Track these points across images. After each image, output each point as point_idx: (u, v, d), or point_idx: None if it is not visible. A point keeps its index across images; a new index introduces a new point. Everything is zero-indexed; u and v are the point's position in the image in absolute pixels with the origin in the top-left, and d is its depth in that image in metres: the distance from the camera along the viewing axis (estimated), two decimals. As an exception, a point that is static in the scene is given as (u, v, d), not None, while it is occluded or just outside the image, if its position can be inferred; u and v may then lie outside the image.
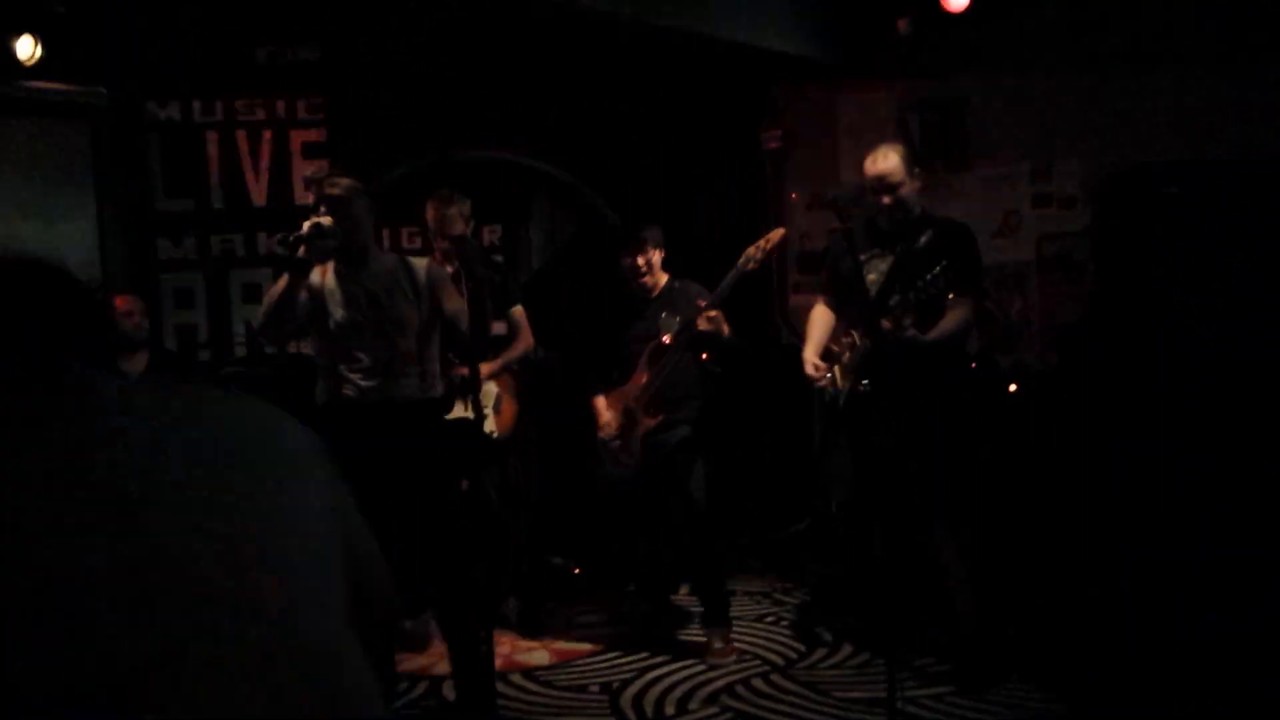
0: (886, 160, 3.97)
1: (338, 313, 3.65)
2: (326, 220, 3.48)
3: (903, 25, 5.67)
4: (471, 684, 3.89)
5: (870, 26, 5.95)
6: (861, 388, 3.92)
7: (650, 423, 4.48)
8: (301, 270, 3.50)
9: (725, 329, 4.28)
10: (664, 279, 4.64)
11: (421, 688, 4.34)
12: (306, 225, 3.44)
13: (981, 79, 5.76)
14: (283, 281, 3.54)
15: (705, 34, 5.63)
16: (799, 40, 5.98)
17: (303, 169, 5.92)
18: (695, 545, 4.54)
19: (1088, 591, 4.37)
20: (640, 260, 4.56)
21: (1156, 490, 4.71)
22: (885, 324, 3.70)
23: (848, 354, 4.04)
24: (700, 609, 4.69)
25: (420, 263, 3.84)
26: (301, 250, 3.45)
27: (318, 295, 3.67)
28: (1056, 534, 4.76)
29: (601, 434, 4.63)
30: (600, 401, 4.67)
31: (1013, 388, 5.15)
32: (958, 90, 5.83)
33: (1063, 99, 5.48)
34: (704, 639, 4.55)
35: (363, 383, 3.65)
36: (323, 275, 3.70)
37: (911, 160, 4.01)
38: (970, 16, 5.41)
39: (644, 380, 4.50)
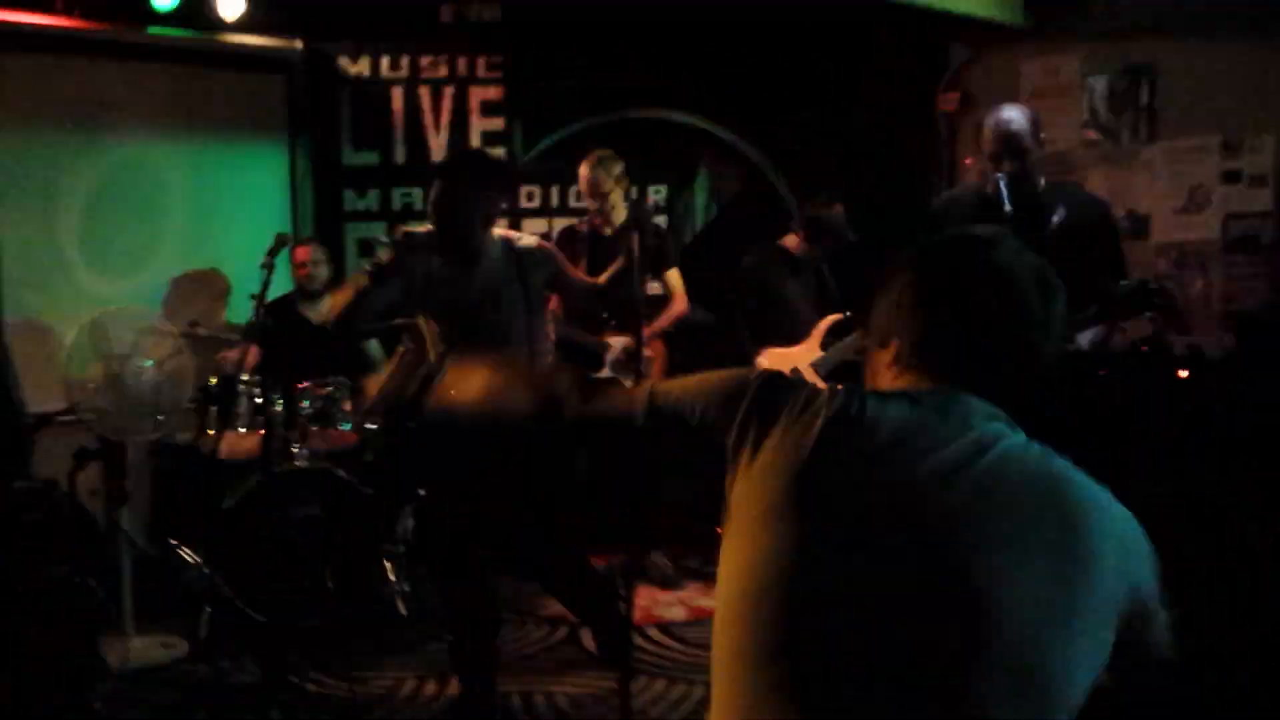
0: (1012, 122, 3.58)
1: (450, 307, 3.70)
2: (421, 229, 3.62)
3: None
4: (608, 634, 4.05)
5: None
6: None
7: None
8: (380, 282, 3.59)
9: None
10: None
11: (560, 634, 4.53)
12: (385, 253, 3.54)
13: (1174, 44, 5.43)
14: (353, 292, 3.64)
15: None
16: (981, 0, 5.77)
17: (480, 125, 6.11)
18: None
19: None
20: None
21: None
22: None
23: None
24: None
25: (528, 244, 3.82)
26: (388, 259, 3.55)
27: (432, 283, 3.71)
28: (1226, 541, 4.50)
29: None
30: (764, 360, 4.61)
31: (1183, 373, 4.89)
32: (1147, 55, 5.52)
33: (1260, 70, 5.11)
34: None
35: None
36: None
37: (1038, 123, 3.65)
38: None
39: (817, 349, 4.45)
